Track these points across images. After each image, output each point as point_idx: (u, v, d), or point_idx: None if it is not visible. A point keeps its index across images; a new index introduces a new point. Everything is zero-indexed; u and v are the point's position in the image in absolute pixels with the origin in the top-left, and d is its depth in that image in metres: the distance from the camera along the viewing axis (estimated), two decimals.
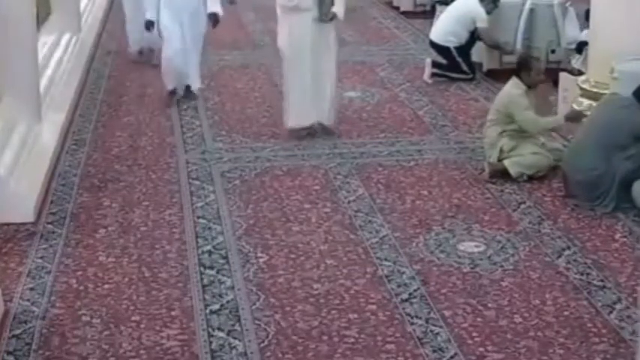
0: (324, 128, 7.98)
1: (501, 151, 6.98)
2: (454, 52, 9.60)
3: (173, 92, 9.05)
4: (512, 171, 6.89)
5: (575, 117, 7.14)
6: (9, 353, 4.70)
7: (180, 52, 8.85)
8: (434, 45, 9.82)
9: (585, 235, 6.04)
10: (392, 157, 7.52)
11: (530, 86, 7.02)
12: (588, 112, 7.22)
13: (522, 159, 6.91)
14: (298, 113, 7.86)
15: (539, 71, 7.08)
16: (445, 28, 9.72)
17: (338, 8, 7.72)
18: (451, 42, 9.62)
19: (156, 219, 6.34)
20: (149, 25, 8.84)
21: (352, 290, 5.31)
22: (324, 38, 7.81)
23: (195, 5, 8.86)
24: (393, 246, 5.88)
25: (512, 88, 7.06)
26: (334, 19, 7.75)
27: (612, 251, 5.80)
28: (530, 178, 6.90)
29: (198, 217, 6.34)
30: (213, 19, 8.88)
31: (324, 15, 7.66)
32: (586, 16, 9.30)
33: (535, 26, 9.70)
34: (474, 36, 9.63)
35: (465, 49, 9.69)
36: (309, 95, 7.78)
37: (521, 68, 7.09)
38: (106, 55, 11.21)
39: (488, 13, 9.55)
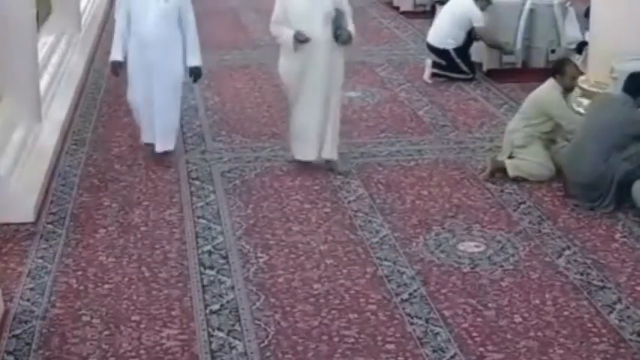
0: (328, 163, 7.13)
1: (512, 143, 6.96)
2: (453, 54, 9.60)
3: (150, 145, 7.45)
4: (511, 172, 6.89)
5: None
6: (9, 353, 4.70)
7: (143, 104, 7.29)
8: (432, 48, 9.80)
9: (585, 235, 6.04)
10: (392, 157, 7.52)
11: (565, 89, 6.98)
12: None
13: (524, 164, 6.89)
14: (303, 147, 7.10)
15: (575, 76, 7.02)
16: (442, 30, 9.70)
17: (350, 27, 6.88)
18: (449, 44, 9.61)
19: (156, 219, 6.34)
20: (115, 66, 7.28)
21: (352, 290, 5.31)
22: (333, 65, 6.93)
23: (166, 43, 7.09)
24: (393, 246, 5.88)
25: (552, 89, 6.98)
26: (350, 41, 6.87)
27: (612, 251, 5.80)
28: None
29: (198, 217, 6.34)
30: (195, 73, 7.35)
31: (339, 36, 6.79)
32: (585, 14, 9.32)
33: (535, 26, 9.71)
34: (471, 36, 9.63)
35: (463, 50, 9.68)
36: (315, 128, 6.97)
37: (557, 71, 7.01)
38: (106, 55, 11.17)
39: (483, 9, 9.55)
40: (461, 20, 9.54)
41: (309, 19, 6.77)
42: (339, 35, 6.80)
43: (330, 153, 7.06)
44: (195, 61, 7.25)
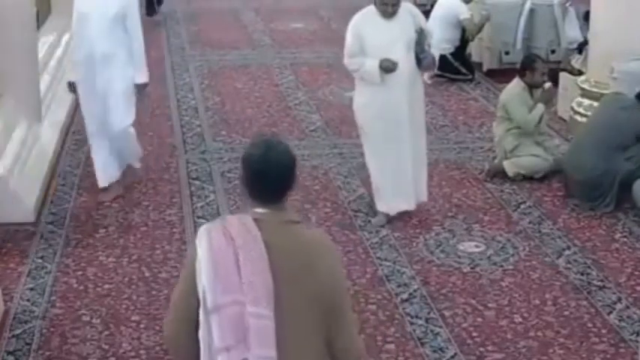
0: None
1: (504, 150, 7.00)
2: (450, 59, 9.58)
3: None
4: (510, 171, 6.90)
5: (547, 97, 7.06)
6: (9, 353, 4.70)
7: None
8: None
9: (585, 235, 6.04)
10: None
11: (532, 86, 6.99)
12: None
13: (520, 160, 6.92)
14: (395, 197, 6.18)
15: (543, 72, 7.05)
16: (436, 35, 9.67)
17: (434, 50, 6.24)
18: (446, 49, 9.58)
19: (156, 219, 6.34)
20: None
21: (352, 290, 5.30)
22: (416, 97, 6.12)
23: None
24: (393, 246, 5.88)
25: (512, 86, 7.06)
26: (433, 66, 6.34)
27: (612, 251, 5.81)
28: (530, 178, 6.91)
29: (199, 217, 6.34)
30: None
31: (422, 60, 5.95)
32: (585, 17, 9.32)
33: (535, 26, 9.71)
34: (465, 35, 9.63)
35: (460, 52, 9.69)
36: (408, 172, 6.11)
37: (525, 67, 7.05)
38: None
39: (467, 2, 9.54)
40: (449, 19, 9.52)
41: (390, 50, 5.84)
42: (423, 59, 5.95)
43: (422, 195, 6.32)
44: None
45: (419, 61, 5.95)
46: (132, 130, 6.72)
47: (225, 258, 2.67)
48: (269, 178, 2.77)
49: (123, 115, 6.54)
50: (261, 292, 2.63)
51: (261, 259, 2.66)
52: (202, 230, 2.77)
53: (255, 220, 2.75)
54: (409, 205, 6.21)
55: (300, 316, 2.70)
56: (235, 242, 2.69)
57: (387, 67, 5.82)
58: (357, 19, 6.05)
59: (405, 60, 5.88)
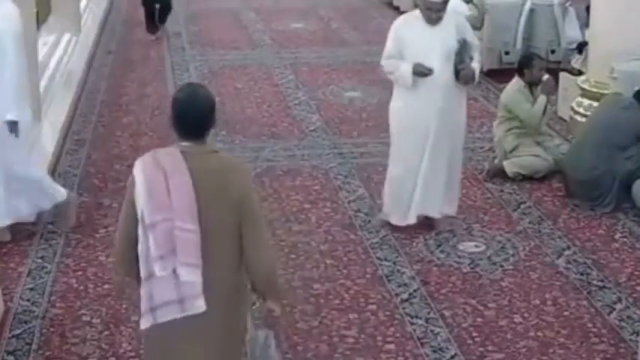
0: (429, 220, 6.09)
1: (504, 150, 7.00)
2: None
3: None
4: (509, 171, 6.90)
5: (548, 88, 7.03)
6: (9, 353, 4.70)
7: None
8: None
9: (585, 235, 6.04)
10: None
11: (531, 84, 6.99)
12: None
13: (520, 160, 6.92)
14: (400, 209, 6.00)
15: (541, 68, 7.05)
16: None
17: (476, 64, 5.83)
18: None
19: None
20: None
21: (352, 290, 5.31)
22: (452, 110, 5.83)
23: None
24: (393, 246, 5.88)
25: (512, 85, 7.07)
26: (473, 80, 5.84)
27: (612, 251, 5.81)
28: (530, 178, 6.91)
29: None
30: None
31: (460, 72, 5.71)
32: (587, 8, 9.32)
33: (535, 26, 9.72)
34: None
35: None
36: (422, 185, 5.89)
37: (523, 65, 7.05)
38: (106, 55, 11.21)
39: (467, 2, 9.54)
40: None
41: (427, 57, 5.68)
42: (461, 71, 5.71)
43: (438, 212, 6.02)
44: None
45: (457, 72, 5.74)
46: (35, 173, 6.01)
47: (157, 183, 3.23)
48: (190, 117, 3.30)
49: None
50: (186, 210, 3.20)
51: (187, 183, 3.22)
52: (138, 162, 3.32)
53: (182, 151, 3.30)
54: (412, 220, 5.98)
55: (220, 228, 3.26)
56: (165, 170, 3.25)
57: (420, 72, 5.66)
58: (399, 21, 5.97)
59: (441, 70, 5.68)
